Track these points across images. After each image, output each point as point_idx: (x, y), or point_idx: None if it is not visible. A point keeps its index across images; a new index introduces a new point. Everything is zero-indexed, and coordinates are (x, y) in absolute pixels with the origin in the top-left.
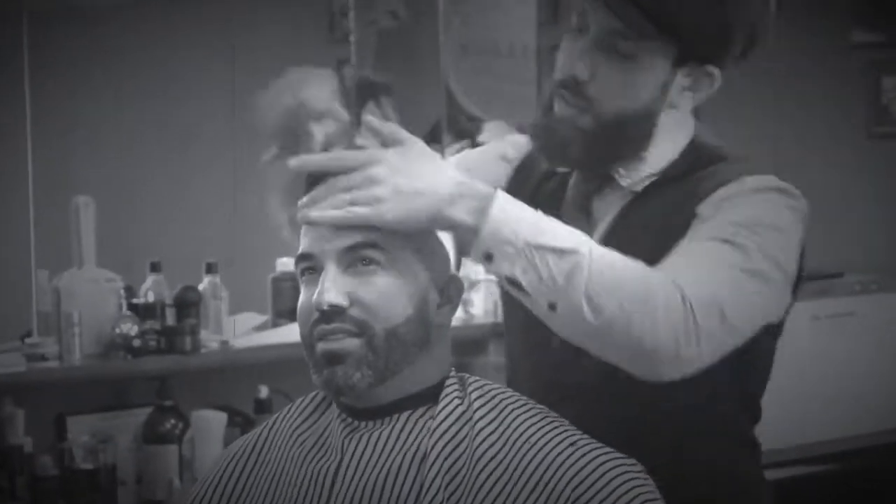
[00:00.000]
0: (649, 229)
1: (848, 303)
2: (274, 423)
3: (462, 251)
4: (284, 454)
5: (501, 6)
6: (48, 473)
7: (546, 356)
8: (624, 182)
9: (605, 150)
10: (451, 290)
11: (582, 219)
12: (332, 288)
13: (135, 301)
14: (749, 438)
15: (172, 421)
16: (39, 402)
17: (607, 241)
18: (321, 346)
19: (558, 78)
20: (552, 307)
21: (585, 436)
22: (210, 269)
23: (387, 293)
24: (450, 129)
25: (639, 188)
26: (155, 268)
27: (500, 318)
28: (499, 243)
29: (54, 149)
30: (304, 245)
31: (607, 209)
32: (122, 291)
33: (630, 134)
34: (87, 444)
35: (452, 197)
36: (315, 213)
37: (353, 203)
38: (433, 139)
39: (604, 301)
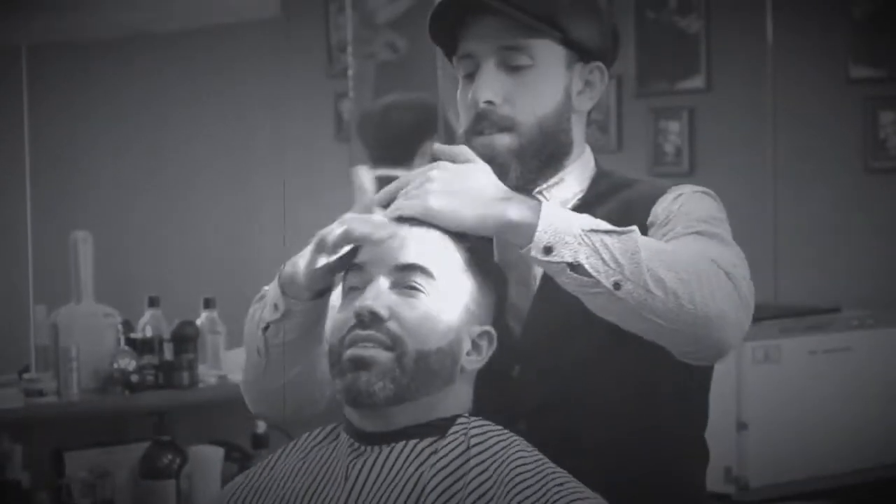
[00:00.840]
0: None
1: (845, 338)
2: (277, 460)
3: (504, 257)
4: (288, 484)
5: None
6: None
7: (505, 383)
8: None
9: (537, 162)
10: (483, 342)
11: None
12: (377, 297)
13: (133, 336)
14: (697, 447)
15: (170, 456)
16: (37, 438)
17: None
18: (350, 352)
19: (473, 113)
20: (617, 286)
21: (573, 480)
22: (208, 304)
23: (426, 317)
24: None
25: (569, 206)
26: (153, 303)
27: None
28: (558, 233)
29: (52, 184)
30: (357, 257)
31: None
32: (119, 326)
33: (553, 140)
34: (85, 479)
35: (503, 200)
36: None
37: (406, 197)
38: None
39: (664, 274)
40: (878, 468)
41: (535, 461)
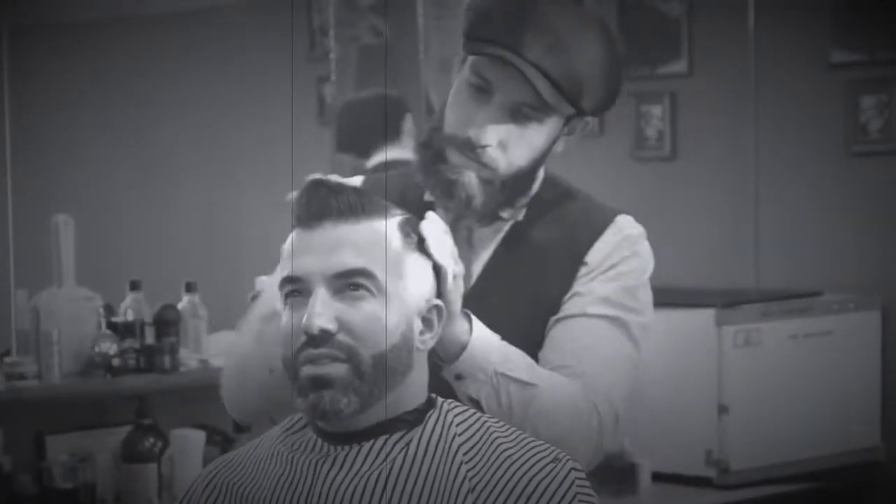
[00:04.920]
0: (530, 258)
1: (826, 322)
2: (258, 444)
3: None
4: (259, 478)
5: None
6: (27, 492)
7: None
8: (506, 215)
9: (503, 199)
10: (434, 318)
11: (464, 248)
12: (323, 312)
13: (114, 320)
14: None
15: (151, 439)
16: (18, 421)
17: (490, 268)
18: (307, 370)
19: (459, 136)
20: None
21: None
22: (189, 287)
23: (374, 319)
24: None
25: (520, 217)
26: (134, 286)
27: None
28: (472, 368)
29: (34, 166)
30: (292, 268)
31: (489, 238)
32: (101, 310)
33: (524, 183)
34: (66, 462)
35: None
36: None
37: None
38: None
39: (542, 430)
40: (858, 451)
41: (522, 438)
